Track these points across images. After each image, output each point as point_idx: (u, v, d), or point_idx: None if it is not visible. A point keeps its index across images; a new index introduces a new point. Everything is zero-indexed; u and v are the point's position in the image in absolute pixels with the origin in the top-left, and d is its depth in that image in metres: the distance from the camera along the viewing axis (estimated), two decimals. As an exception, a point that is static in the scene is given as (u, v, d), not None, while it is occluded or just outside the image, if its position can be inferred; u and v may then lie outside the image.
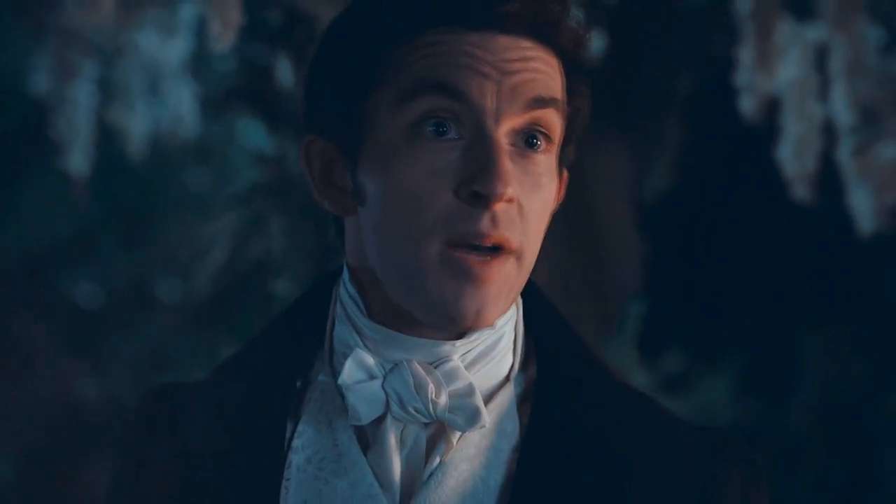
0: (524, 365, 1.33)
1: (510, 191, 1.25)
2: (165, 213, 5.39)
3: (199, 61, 4.04)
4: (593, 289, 3.88)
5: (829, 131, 3.66)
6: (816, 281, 4.82)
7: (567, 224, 3.84)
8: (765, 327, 4.98)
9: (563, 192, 1.35)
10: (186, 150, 5.04)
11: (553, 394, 1.31)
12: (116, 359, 5.45)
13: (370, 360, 1.29)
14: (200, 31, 3.71)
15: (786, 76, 3.61)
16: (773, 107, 3.64)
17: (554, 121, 1.29)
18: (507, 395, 1.31)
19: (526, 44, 1.27)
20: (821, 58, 3.63)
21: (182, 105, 3.99)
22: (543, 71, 1.28)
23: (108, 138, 3.95)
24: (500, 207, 1.26)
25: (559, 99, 1.29)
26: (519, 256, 1.28)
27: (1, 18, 3.91)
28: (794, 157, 3.65)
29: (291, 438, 1.30)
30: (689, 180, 4.32)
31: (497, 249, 1.27)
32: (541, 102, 1.27)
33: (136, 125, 3.92)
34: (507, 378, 1.32)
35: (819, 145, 3.64)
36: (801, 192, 3.68)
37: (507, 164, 1.25)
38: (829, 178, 3.72)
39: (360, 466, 1.28)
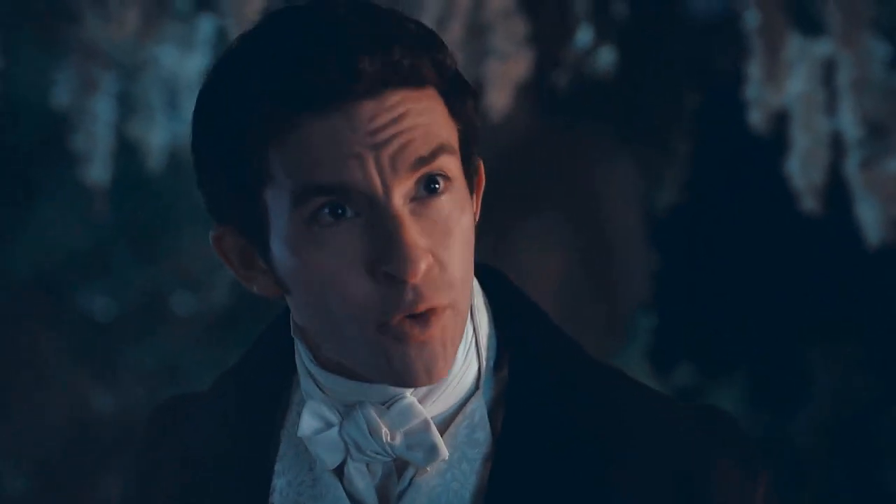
0: (497, 366, 1.32)
1: (421, 264, 1.22)
2: (181, 227, 5.41)
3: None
4: (603, 301, 3.91)
5: (836, 145, 3.68)
6: (824, 293, 4.83)
7: (577, 237, 3.88)
8: (773, 341, 4.98)
9: (482, 179, 1.32)
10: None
11: (526, 397, 1.29)
12: (130, 372, 5.48)
13: (324, 409, 1.29)
14: (219, 45, 3.76)
15: (793, 90, 3.64)
16: (781, 120, 3.68)
17: (448, 163, 1.25)
18: (477, 404, 1.30)
19: (392, 98, 1.23)
20: (828, 72, 3.66)
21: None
22: (417, 124, 1.23)
23: (126, 152, 3.99)
24: (422, 280, 1.23)
25: (444, 143, 1.24)
26: (453, 308, 1.25)
27: (22, 32, 3.95)
28: (801, 170, 3.68)
29: (274, 463, 1.32)
30: (697, 193, 4.34)
31: (432, 311, 1.24)
32: (424, 161, 1.23)
33: (155, 139, 3.96)
34: (477, 386, 1.31)
35: (826, 158, 3.67)
36: (809, 204, 3.71)
37: (413, 237, 1.22)
38: (836, 191, 3.74)
39: (335, 491, 1.30)
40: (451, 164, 1.25)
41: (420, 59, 1.23)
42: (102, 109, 3.65)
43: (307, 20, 1.24)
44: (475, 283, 1.33)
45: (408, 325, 1.24)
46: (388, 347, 1.24)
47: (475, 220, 1.30)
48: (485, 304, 1.33)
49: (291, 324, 1.32)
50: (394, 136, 1.22)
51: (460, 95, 1.27)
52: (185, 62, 3.82)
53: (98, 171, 3.74)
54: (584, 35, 3.72)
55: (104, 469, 5.31)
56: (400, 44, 1.22)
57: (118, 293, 5.51)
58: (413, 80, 1.23)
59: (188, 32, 3.72)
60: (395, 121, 1.22)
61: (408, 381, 1.25)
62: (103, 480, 5.27)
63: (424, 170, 1.23)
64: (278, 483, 1.32)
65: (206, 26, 3.77)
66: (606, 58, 3.80)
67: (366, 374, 1.27)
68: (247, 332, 5.31)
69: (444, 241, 1.24)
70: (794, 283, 4.82)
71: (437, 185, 1.24)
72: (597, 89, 3.84)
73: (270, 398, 1.34)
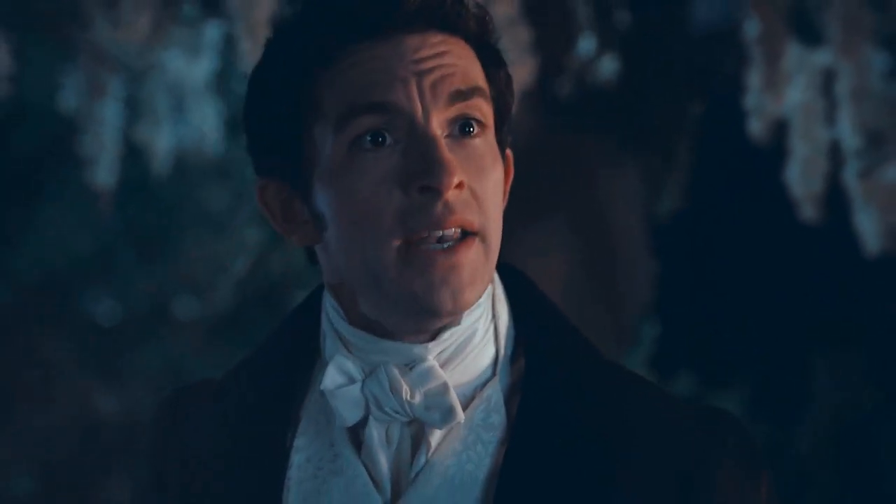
0: (513, 356, 1.36)
1: (455, 176, 1.29)
2: (184, 231, 5.43)
3: (223, 81, 4.11)
4: (605, 307, 3.92)
5: (835, 153, 3.70)
6: (825, 302, 4.84)
7: (579, 243, 3.90)
8: (773, 348, 4.99)
9: (511, 171, 1.39)
10: (208, 169, 5.10)
11: (541, 386, 1.34)
12: (134, 375, 5.50)
13: (349, 365, 1.34)
14: (225, 50, 3.79)
15: (793, 100, 3.66)
16: (780, 129, 3.69)
17: (481, 106, 1.33)
18: (493, 389, 1.35)
19: (435, 38, 1.32)
20: (827, 82, 3.67)
21: (206, 124, 4.06)
22: (457, 63, 1.32)
23: (132, 156, 4.02)
24: (451, 194, 1.30)
25: (481, 86, 1.33)
26: (483, 238, 1.31)
27: (31, 36, 3.98)
28: (801, 178, 3.70)
29: (293, 439, 1.36)
30: (698, 200, 4.35)
31: (461, 236, 1.30)
32: (461, 95, 1.32)
33: (161, 143, 3.98)
34: (494, 372, 1.36)
35: (826, 167, 3.68)
36: (808, 212, 3.72)
37: (448, 154, 1.30)
38: (835, 199, 3.75)
39: (355, 466, 1.34)
40: (486, 110, 1.33)
41: (462, 7, 1.33)
42: (110, 113, 3.68)
43: None
44: (496, 275, 1.38)
45: (436, 253, 1.30)
46: (414, 272, 1.30)
47: (506, 190, 1.37)
48: (504, 296, 1.39)
49: (325, 285, 1.37)
50: (435, 67, 1.31)
51: (495, 62, 1.36)
52: (192, 67, 3.85)
53: (104, 174, 3.77)
54: (586, 43, 3.74)
55: (109, 470, 5.33)
56: None
57: (122, 297, 5.53)
58: (455, 28, 1.33)
59: (195, 38, 3.75)
60: (437, 55, 1.32)
61: (432, 308, 1.30)
62: (108, 482, 5.29)
63: (461, 104, 1.32)
64: (296, 458, 1.36)
65: (212, 32, 3.80)
66: (609, 66, 3.81)
67: (392, 312, 1.32)
68: (249, 335, 5.33)
69: (478, 175, 1.32)
70: (793, 290, 4.84)
71: (471, 129, 1.32)
72: (599, 97, 3.85)
73: (291, 379, 1.38)
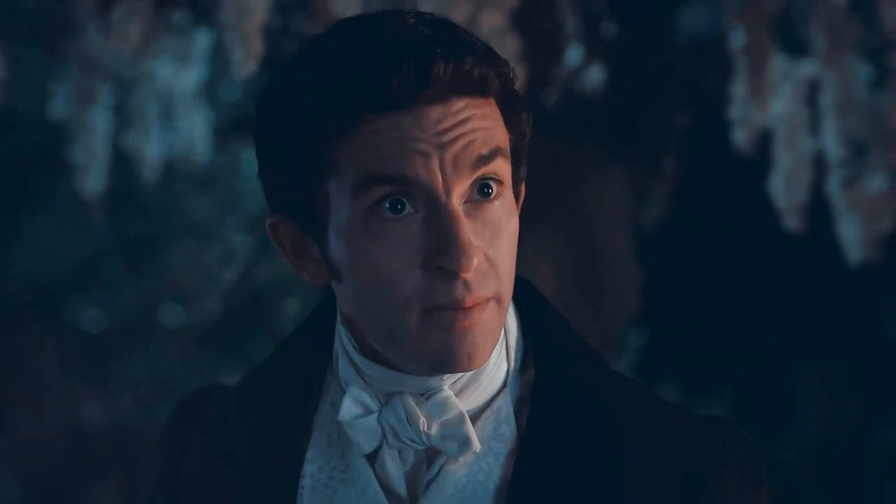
0: (523, 368, 1.39)
1: (473, 259, 1.29)
2: (172, 240, 5.44)
3: (212, 90, 4.13)
4: (593, 316, 3.94)
5: (819, 164, 3.72)
6: (809, 311, 4.85)
7: (567, 252, 3.92)
8: (760, 358, 5.00)
9: (522, 194, 1.39)
10: (195, 177, 5.11)
11: (550, 397, 1.36)
12: (122, 383, 5.50)
13: (365, 396, 1.35)
14: (215, 59, 3.80)
15: (778, 110, 3.68)
16: (765, 140, 3.71)
17: (502, 167, 1.32)
18: (504, 401, 1.37)
19: (458, 104, 1.30)
20: (812, 93, 3.69)
21: (195, 132, 4.08)
22: (480, 127, 1.30)
23: (121, 164, 4.03)
24: (472, 276, 1.30)
25: (501, 147, 1.32)
26: (498, 300, 1.33)
27: (23, 44, 4.00)
28: (785, 188, 3.72)
29: (306, 450, 1.38)
30: (684, 210, 4.37)
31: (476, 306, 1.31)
32: (484, 160, 1.30)
33: (150, 151, 4.00)
34: (504, 384, 1.38)
35: (810, 177, 3.70)
36: (792, 222, 3.74)
37: (468, 235, 1.29)
38: (819, 209, 3.78)
39: (367, 476, 1.36)
40: (504, 168, 1.33)
41: (487, 71, 1.31)
42: (100, 121, 3.69)
43: (380, 25, 1.32)
44: None
45: (453, 316, 1.30)
46: (431, 334, 1.31)
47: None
48: (513, 309, 1.41)
49: (338, 313, 1.39)
50: (457, 138, 1.30)
51: (516, 108, 1.35)
52: (181, 75, 3.87)
53: (94, 182, 3.78)
54: (574, 53, 3.76)
55: (96, 478, 5.33)
56: (472, 55, 1.30)
57: (110, 305, 5.53)
58: (479, 90, 1.31)
59: (185, 46, 3.77)
60: (459, 124, 1.30)
61: (450, 365, 1.32)
62: (95, 490, 5.29)
63: (482, 169, 1.31)
64: (309, 469, 1.39)
65: (202, 40, 3.82)
66: (596, 76, 3.84)
67: (407, 363, 1.34)
68: (236, 345, 5.34)
69: (494, 241, 1.32)
70: (777, 299, 4.85)
71: (490, 190, 1.32)
72: (586, 106, 3.88)
73: (304, 389, 1.40)
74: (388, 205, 1.30)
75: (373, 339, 1.35)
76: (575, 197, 3.90)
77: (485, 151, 1.31)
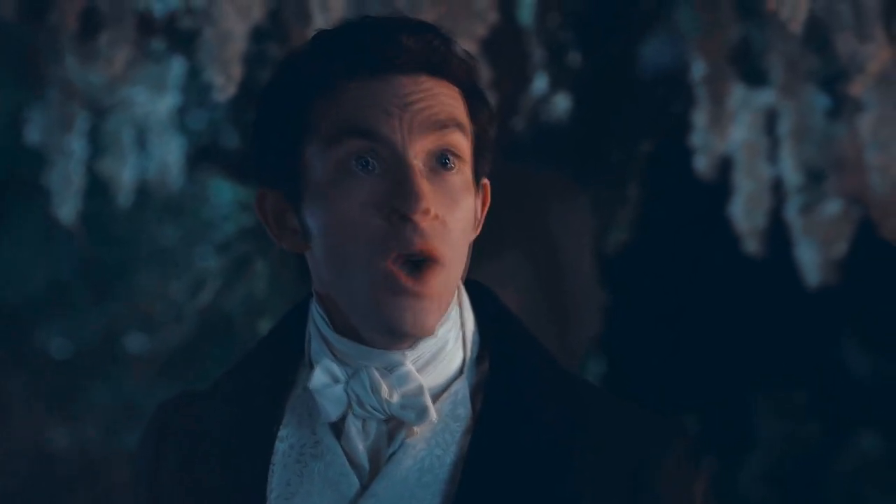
0: (479, 359, 1.51)
1: (425, 203, 1.43)
2: (139, 266, 5.46)
3: (185, 117, 4.19)
4: (556, 339, 3.99)
5: (777, 190, 3.81)
6: (768, 334, 4.91)
7: (532, 276, 3.98)
8: (720, 382, 5.04)
9: (487, 199, 1.53)
10: (166, 205, 5.15)
11: (502, 384, 1.49)
12: (88, 409, 5.51)
13: (335, 367, 1.48)
14: (190, 86, 3.86)
15: (737, 138, 3.77)
16: (725, 166, 3.80)
17: (460, 141, 1.46)
18: (461, 385, 1.50)
19: (423, 79, 1.46)
20: (770, 121, 3.79)
21: (168, 159, 4.13)
22: (442, 100, 1.46)
23: (93, 191, 4.07)
24: (425, 223, 1.44)
25: (459, 121, 1.46)
26: (447, 264, 1.45)
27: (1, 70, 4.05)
28: (745, 213, 3.80)
29: (278, 431, 1.50)
30: (647, 234, 4.43)
31: (427, 261, 1.44)
32: (441, 125, 1.45)
33: (124, 177, 4.04)
34: (461, 371, 1.50)
35: (768, 203, 3.79)
36: (751, 246, 3.84)
37: (422, 182, 1.44)
38: (777, 234, 3.87)
39: (334, 450, 1.48)
40: (463, 143, 1.48)
41: (454, 55, 1.48)
42: (77, 147, 3.75)
43: (365, 17, 1.51)
44: (462, 288, 1.54)
45: (405, 274, 1.45)
46: (385, 298, 1.45)
47: (476, 233, 1.52)
48: (470, 306, 1.54)
49: (313, 292, 1.52)
50: (420, 102, 1.46)
51: (480, 101, 1.50)
52: (157, 102, 3.92)
53: (68, 208, 3.82)
54: (540, 83, 3.85)
55: (61, 503, 5.34)
56: (441, 38, 1.48)
57: (76, 331, 5.54)
58: (446, 72, 1.48)
59: (161, 73, 3.83)
60: (423, 92, 1.47)
61: (400, 329, 1.46)
62: (60, 515, 5.30)
63: (438, 133, 1.46)
64: (281, 446, 1.51)
65: (177, 67, 3.88)
66: (562, 104, 3.92)
67: (369, 328, 1.47)
68: (202, 372, 5.35)
69: (450, 207, 1.46)
70: (737, 323, 4.91)
71: (449, 162, 1.47)
72: (552, 134, 3.95)
73: (278, 378, 1.53)
74: (354, 161, 1.45)
75: (341, 307, 1.48)
76: (540, 222, 3.96)
77: (443, 117, 1.45)
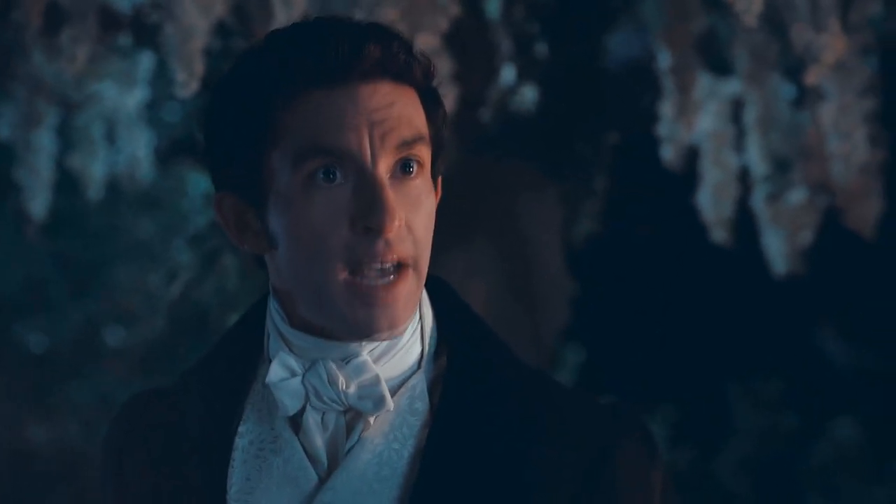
0: (437, 354, 1.53)
1: (395, 219, 1.46)
2: (115, 261, 5.46)
3: (154, 111, 4.19)
4: (526, 329, 4.01)
5: (744, 179, 3.84)
6: (740, 325, 4.93)
7: (500, 267, 3.99)
8: (692, 371, 5.06)
9: (439, 192, 1.55)
10: (139, 198, 5.15)
11: (459, 379, 1.51)
12: (66, 404, 5.51)
13: (292, 361, 1.50)
14: (158, 81, 3.87)
15: (704, 128, 3.80)
16: (692, 156, 3.82)
17: (422, 151, 1.49)
18: (418, 380, 1.52)
19: (385, 87, 1.48)
20: (736, 111, 3.81)
21: (138, 152, 4.14)
22: (404, 114, 1.48)
23: (65, 185, 4.07)
24: (391, 233, 1.46)
25: (423, 134, 1.49)
26: (415, 266, 1.48)
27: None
28: (712, 202, 3.83)
29: (238, 427, 1.52)
30: (616, 224, 4.45)
31: (397, 267, 1.47)
32: (407, 144, 1.48)
33: (94, 171, 4.05)
34: (419, 366, 1.52)
35: (735, 192, 3.82)
36: (718, 235, 3.86)
37: (391, 198, 1.46)
38: (744, 223, 3.90)
39: (293, 445, 1.50)
40: (425, 153, 1.51)
41: (412, 59, 1.51)
42: (46, 142, 3.75)
43: (322, 21, 1.51)
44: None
45: (377, 287, 1.47)
46: (358, 308, 1.47)
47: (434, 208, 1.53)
48: (429, 301, 1.56)
49: (271, 288, 1.54)
50: (385, 119, 1.48)
51: (435, 103, 1.53)
52: (125, 97, 3.93)
53: (39, 203, 3.83)
54: (507, 74, 3.86)
55: (40, 499, 5.35)
56: (399, 42, 1.50)
57: (53, 325, 5.53)
58: (404, 76, 1.50)
59: (129, 68, 3.83)
60: (387, 106, 1.48)
61: (371, 334, 1.48)
62: (38, 510, 5.31)
63: (405, 151, 1.49)
64: (240, 442, 1.53)
65: (145, 62, 3.88)
66: (528, 96, 3.93)
67: (334, 326, 1.49)
68: (180, 365, 5.35)
69: (414, 210, 1.49)
70: (705, 310, 4.93)
71: (411, 169, 1.49)
72: (519, 125, 3.96)
73: (237, 376, 1.55)
74: (321, 174, 1.46)
75: (303, 307, 1.49)
76: (508, 213, 3.98)
77: (408, 136, 1.48)
